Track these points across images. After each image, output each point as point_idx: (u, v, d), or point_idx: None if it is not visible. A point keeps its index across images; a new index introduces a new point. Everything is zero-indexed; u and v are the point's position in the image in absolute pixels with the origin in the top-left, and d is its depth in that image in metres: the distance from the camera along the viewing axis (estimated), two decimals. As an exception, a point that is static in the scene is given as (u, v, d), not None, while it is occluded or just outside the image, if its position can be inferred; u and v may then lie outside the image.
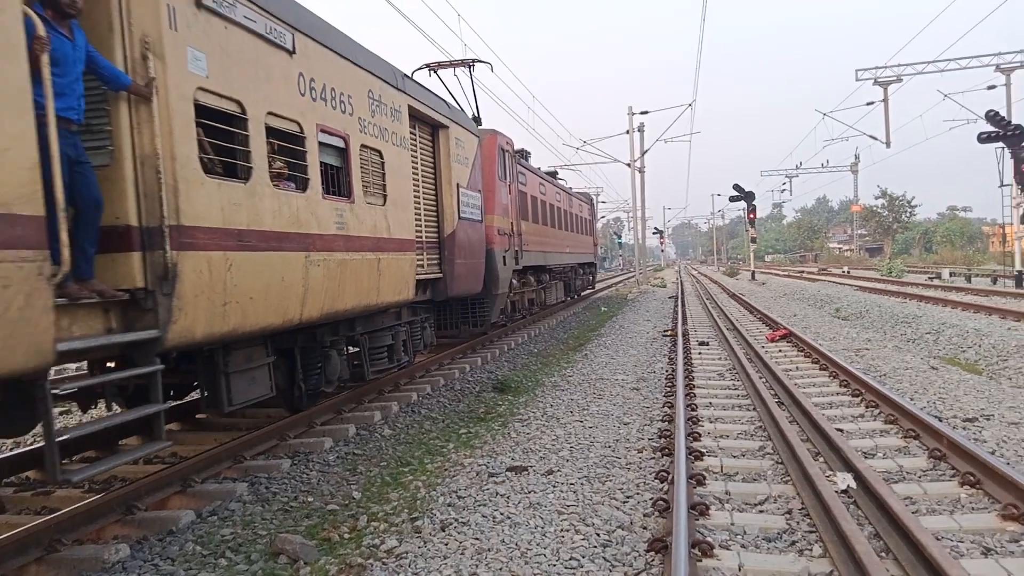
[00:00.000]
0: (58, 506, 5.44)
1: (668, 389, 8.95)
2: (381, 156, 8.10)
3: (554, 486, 5.38)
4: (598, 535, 4.39)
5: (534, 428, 7.38)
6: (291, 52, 6.24)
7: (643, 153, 36.28)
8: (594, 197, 37.51)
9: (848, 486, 5.05)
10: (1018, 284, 22.46)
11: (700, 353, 12.17)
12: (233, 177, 5.49)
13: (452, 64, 13.23)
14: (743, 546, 4.26)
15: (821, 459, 5.85)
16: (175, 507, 5.55)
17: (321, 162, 6.75)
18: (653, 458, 6.07)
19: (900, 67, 32.32)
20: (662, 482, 5.35)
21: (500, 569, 3.96)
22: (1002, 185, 22.69)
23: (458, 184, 10.79)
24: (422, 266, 9.58)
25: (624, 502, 5.00)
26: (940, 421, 6.72)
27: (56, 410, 6.81)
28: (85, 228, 4.27)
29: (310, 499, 5.61)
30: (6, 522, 5.09)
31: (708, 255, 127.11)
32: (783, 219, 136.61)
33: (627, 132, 35.39)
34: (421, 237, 9.60)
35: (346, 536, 4.79)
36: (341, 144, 7.21)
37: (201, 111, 5.10)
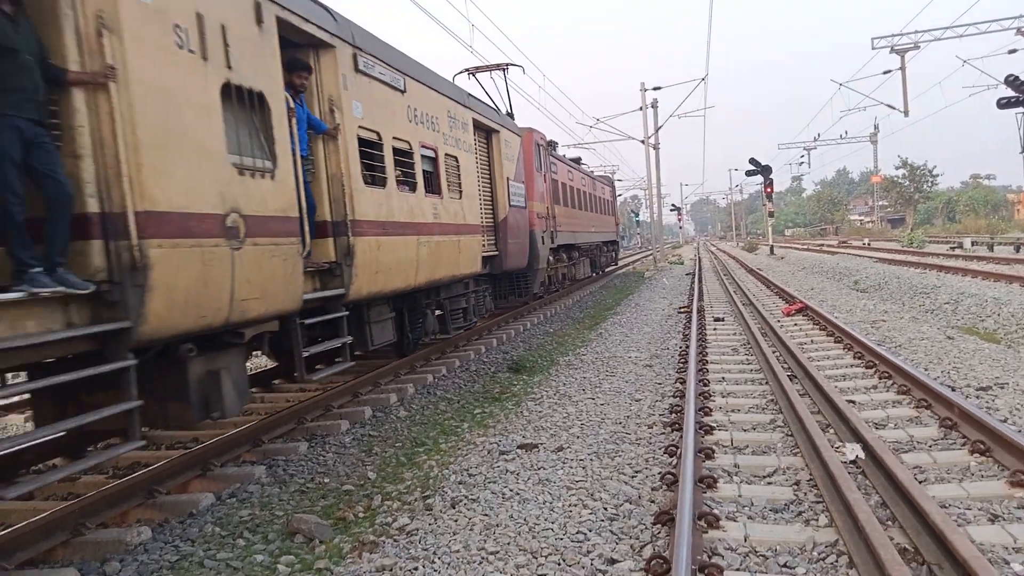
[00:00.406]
0: (83, 491, 5.59)
1: (681, 365, 8.96)
2: (457, 161, 10.37)
3: (564, 462, 5.44)
4: (606, 509, 4.45)
5: (546, 406, 7.45)
6: (403, 92, 8.58)
7: (657, 129, 35.98)
8: (613, 178, 37.82)
9: (857, 456, 5.05)
10: (1041, 251, 22.07)
11: (715, 329, 12.15)
12: (377, 185, 7.75)
13: (488, 68, 14.96)
14: (750, 517, 4.29)
15: (831, 430, 5.86)
16: (196, 490, 5.68)
17: (422, 169, 9.05)
18: (663, 433, 6.11)
19: (917, 33, 31.67)
20: (671, 456, 5.39)
21: (507, 544, 4.04)
22: (1023, 151, 22.23)
23: (507, 177, 13.06)
24: (484, 245, 11.72)
25: (633, 476, 5.05)
26: (953, 391, 6.69)
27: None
28: (311, 224, 6.49)
29: (326, 480, 5.71)
30: (33, 507, 5.24)
31: (727, 231, 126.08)
32: (803, 192, 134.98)
33: (640, 109, 35.08)
34: (482, 222, 11.75)
35: (360, 515, 4.89)
36: (432, 155, 9.47)
37: (360, 141, 7.41)
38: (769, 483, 4.87)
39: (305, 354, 6.48)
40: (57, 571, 4.18)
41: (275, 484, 5.66)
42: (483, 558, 3.89)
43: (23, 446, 4.85)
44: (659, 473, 5.02)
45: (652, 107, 36.08)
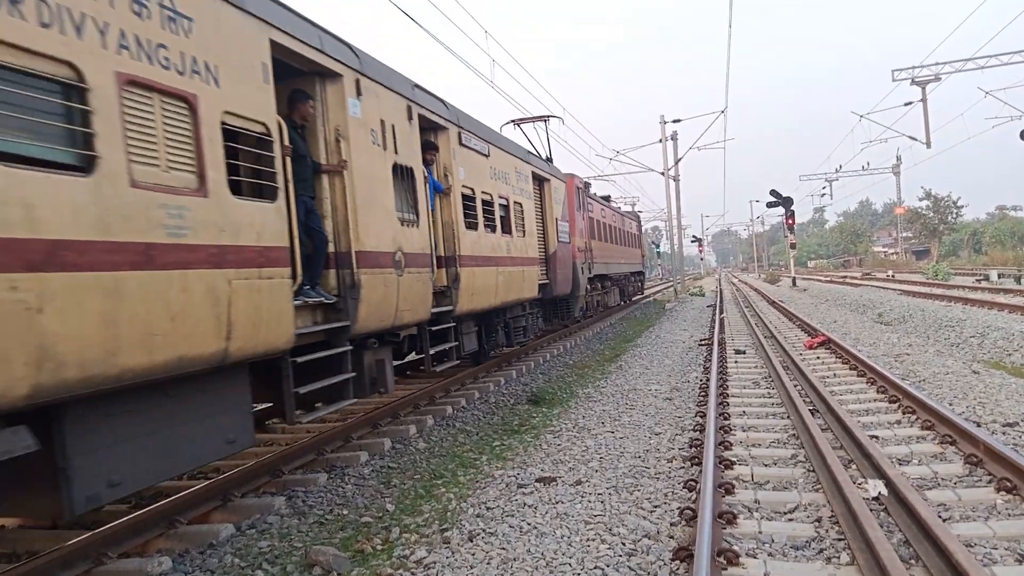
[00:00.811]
0: (106, 520, 5.66)
1: (701, 398, 8.90)
2: (522, 206, 12.83)
3: (582, 496, 5.42)
4: (623, 544, 4.42)
5: (565, 439, 7.43)
6: (487, 156, 11.16)
7: (676, 162, 36.09)
8: (639, 214, 38.66)
9: (880, 493, 4.98)
10: (1070, 284, 21.70)
11: (736, 362, 12.06)
12: (472, 228, 10.10)
13: (532, 120, 17.28)
14: (770, 554, 4.25)
15: (854, 466, 5.79)
16: (215, 521, 5.72)
17: (499, 214, 11.49)
18: (683, 467, 6.06)
19: (938, 65, 31.64)
20: (690, 491, 5.35)
21: (525, 578, 4.03)
22: (1049, 182, 21.97)
23: (556, 218, 15.55)
24: (539, 275, 13.88)
25: (651, 511, 5.02)
26: (978, 427, 6.59)
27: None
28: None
29: (345, 512, 5.73)
30: (57, 536, 5.31)
31: (749, 262, 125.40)
32: (825, 224, 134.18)
33: (660, 141, 35.26)
34: (538, 255, 14.05)
35: (379, 548, 4.89)
36: (505, 203, 11.97)
37: (463, 196, 9.91)
38: (790, 520, 4.82)
39: (432, 351, 9.15)
40: (79, 601, 4.21)
41: (294, 515, 5.69)
42: (500, 593, 3.88)
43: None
44: (678, 508, 4.98)
45: (672, 139, 36.26)
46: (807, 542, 4.39)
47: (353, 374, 6.80)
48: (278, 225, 5.49)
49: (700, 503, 4.66)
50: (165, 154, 4.42)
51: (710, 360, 11.59)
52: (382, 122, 7.45)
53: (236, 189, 5.14)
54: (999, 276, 30.15)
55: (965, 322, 14.73)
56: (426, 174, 8.68)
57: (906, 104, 34.48)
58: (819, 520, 4.71)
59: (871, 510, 4.72)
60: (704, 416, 7.60)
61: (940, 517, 4.60)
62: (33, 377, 3.49)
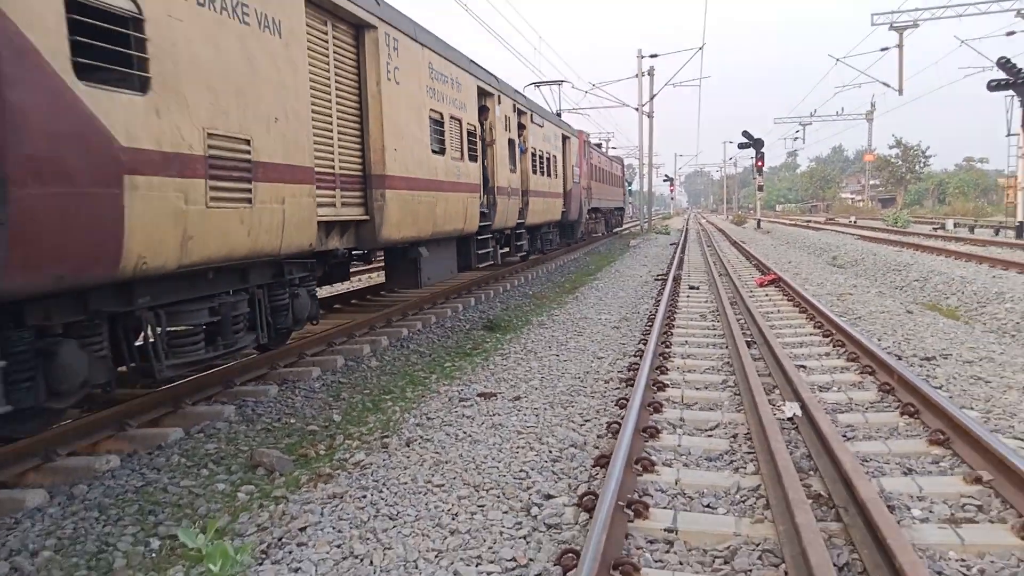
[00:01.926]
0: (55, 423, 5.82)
1: (647, 328, 9.22)
2: (556, 157, 18.85)
3: (519, 410, 5.71)
4: (550, 452, 4.73)
5: (511, 361, 7.71)
6: (542, 127, 16.91)
7: (652, 97, 35.88)
8: (622, 159, 42.35)
9: (794, 414, 5.34)
10: (1018, 235, 22.43)
11: (688, 296, 12.42)
12: (535, 173, 16.13)
13: (548, 83, 24.28)
14: (685, 464, 4.58)
15: (777, 391, 6.15)
16: (166, 425, 5.92)
17: (545, 164, 17.17)
18: (618, 388, 6.38)
19: (917, 11, 31.56)
20: (621, 408, 5.66)
21: (453, 478, 4.31)
22: (1009, 134, 22.43)
23: (572, 164, 21.30)
24: (561, 206, 19.77)
25: (582, 425, 5.33)
26: (899, 359, 7.00)
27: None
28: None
29: (292, 421, 5.96)
30: (8, 439, 5.47)
31: (719, 203, 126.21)
32: (797, 168, 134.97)
33: (636, 76, 34.93)
34: (556, 191, 19.09)
35: (322, 453, 5.14)
36: (548, 156, 17.82)
37: (532, 153, 16.00)
38: (709, 436, 5.16)
39: (481, 251, 12.97)
40: (26, 491, 4.41)
41: (243, 422, 5.90)
42: (428, 490, 4.16)
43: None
44: (607, 423, 5.29)
45: (648, 75, 35.95)
46: (720, 455, 4.73)
47: (505, 249, 15.00)
48: (478, 174, 11.93)
49: (625, 417, 4.96)
50: (455, 145, 10.79)
51: (662, 294, 11.91)
52: (507, 117, 13.82)
53: (471, 157, 11.61)
54: (954, 225, 30.92)
55: (912, 266, 15.24)
56: (517, 143, 14.77)
57: (882, 49, 34.49)
58: (735, 436, 5.06)
59: (783, 428, 5.09)
60: (647, 343, 7.92)
61: (844, 436, 4.97)
62: (430, 231, 9.62)
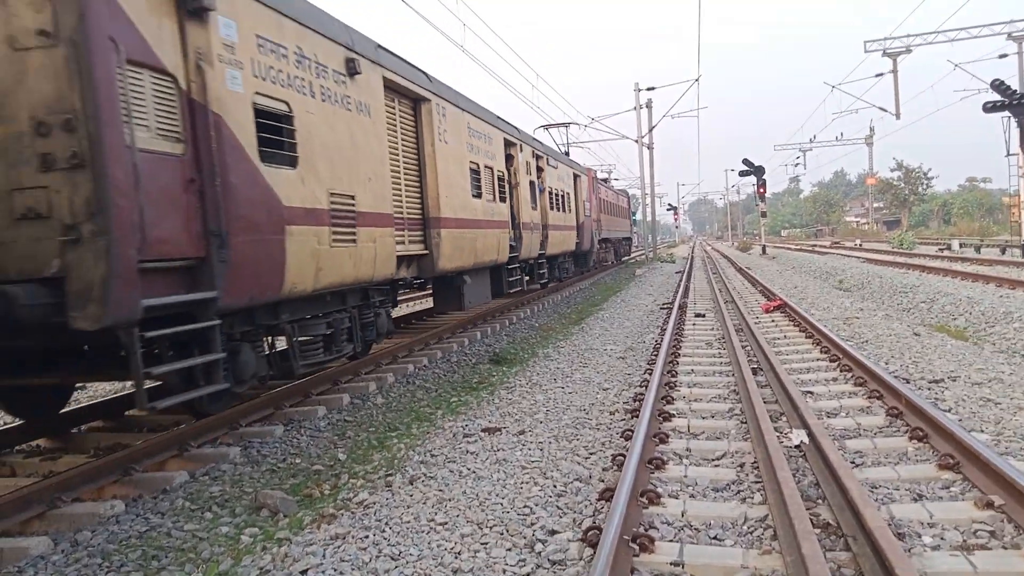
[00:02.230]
0: (62, 470, 5.80)
1: (653, 357, 9.17)
2: (568, 194, 20.43)
3: (523, 445, 5.66)
4: (555, 486, 4.67)
5: (517, 394, 7.67)
6: (556, 168, 18.95)
7: (651, 129, 36.17)
8: (627, 191, 44.37)
9: (801, 441, 5.28)
10: (1025, 254, 22.31)
11: (694, 324, 12.37)
12: (553, 209, 18.17)
13: (556, 125, 26.23)
14: (691, 495, 4.52)
15: (784, 419, 6.08)
16: (172, 469, 5.90)
17: (560, 200, 19.02)
18: (623, 419, 6.33)
19: (909, 37, 31.87)
20: (627, 440, 5.60)
21: (457, 516, 4.26)
22: (1008, 154, 22.46)
23: (584, 200, 23.10)
24: (575, 237, 21.51)
25: (587, 458, 5.27)
26: (907, 383, 6.93)
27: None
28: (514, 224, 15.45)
29: (298, 461, 5.93)
30: (15, 484, 5.45)
31: (724, 230, 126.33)
32: (800, 193, 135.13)
33: (635, 109, 35.26)
34: (570, 224, 20.78)
35: (327, 492, 5.10)
36: (562, 193, 19.41)
37: (549, 192, 17.79)
38: (716, 465, 5.09)
39: (511, 279, 14.74)
40: (30, 539, 4.39)
41: (248, 464, 5.87)
42: (431, 528, 4.11)
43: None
44: (612, 455, 5.23)
45: (646, 107, 36.28)
46: (727, 484, 4.67)
47: (527, 277, 16.48)
48: (507, 212, 13.72)
49: (630, 449, 4.91)
50: (488, 189, 12.56)
51: (667, 323, 11.87)
52: (527, 163, 15.73)
53: (501, 199, 13.28)
54: (960, 246, 30.81)
55: (918, 288, 15.16)
56: (537, 183, 16.65)
57: (877, 76, 34.78)
58: (742, 466, 4.99)
59: (790, 456, 5.03)
60: (652, 373, 7.87)
61: (852, 463, 4.91)
62: (472, 262, 11.42)
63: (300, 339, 7.20)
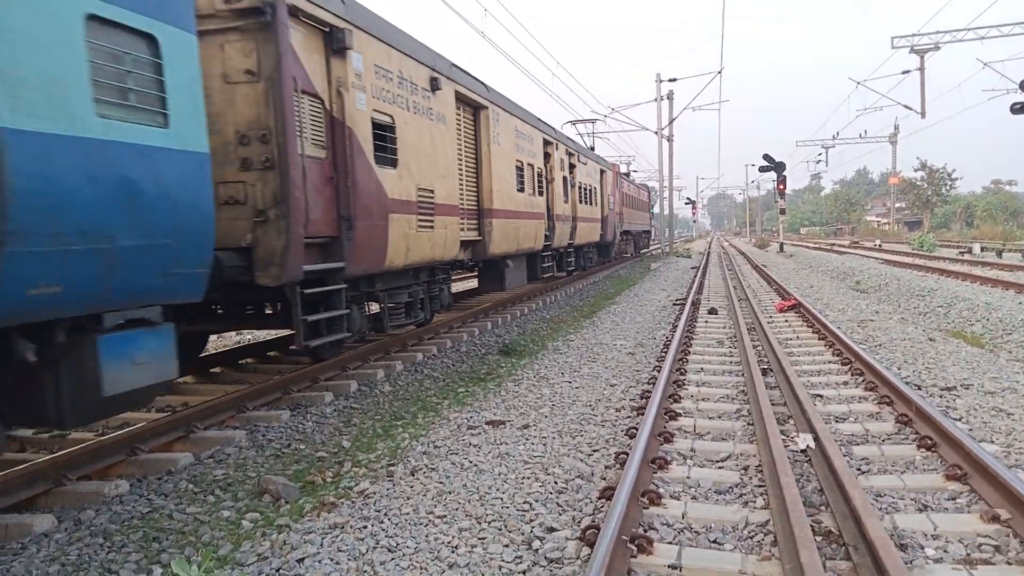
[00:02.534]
0: (70, 447, 5.87)
1: (663, 354, 9.11)
2: (594, 189, 21.93)
3: (527, 439, 5.65)
4: (556, 483, 4.66)
5: (524, 387, 7.66)
6: (585, 164, 20.43)
7: (671, 121, 35.88)
8: (647, 185, 45.40)
9: (808, 446, 5.22)
10: (1048, 259, 21.93)
11: (707, 322, 12.29)
12: (582, 203, 19.91)
13: (583, 121, 29.61)
14: (693, 497, 4.49)
15: (791, 422, 6.03)
16: (178, 451, 5.94)
17: (587, 194, 20.75)
18: (629, 417, 6.30)
19: (937, 34, 31.33)
20: (631, 438, 5.57)
21: (456, 509, 4.26)
22: (1035, 158, 22.03)
23: (608, 194, 24.56)
24: (599, 229, 23.11)
25: (590, 455, 5.25)
26: (919, 389, 6.85)
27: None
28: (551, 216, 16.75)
29: (302, 447, 5.95)
30: (23, 459, 5.52)
31: (742, 227, 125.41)
32: (821, 191, 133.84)
33: (656, 100, 34.99)
34: (596, 216, 22.29)
35: (328, 480, 5.12)
36: (590, 188, 21.19)
37: (579, 186, 19.55)
38: (720, 467, 5.06)
39: (544, 265, 16.21)
40: (35, 516, 4.44)
41: (253, 448, 5.91)
42: (430, 521, 4.11)
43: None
44: (615, 453, 5.21)
45: (667, 98, 35.99)
46: (730, 487, 4.63)
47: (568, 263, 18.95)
48: (543, 205, 15.03)
49: (633, 447, 4.88)
50: (530, 184, 14.18)
51: (679, 319, 11.80)
52: (561, 160, 17.21)
53: (539, 193, 14.81)
54: (981, 249, 30.37)
55: (936, 292, 14.96)
56: (569, 178, 18.15)
57: (903, 72, 34.27)
58: (746, 468, 4.95)
59: (795, 461, 4.98)
60: (660, 370, 7.83)
61: (858, 469, 4.86)
62: (515, 248, 13.14)
63: (389, 305, 8.91)
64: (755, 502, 4.36)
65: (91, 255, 4.01)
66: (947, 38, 31.20)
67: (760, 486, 4.60)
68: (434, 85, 9.33)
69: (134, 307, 4.54)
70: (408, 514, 4.21)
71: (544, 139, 15.67)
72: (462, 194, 10.77)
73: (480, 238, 11.58)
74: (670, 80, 34.47)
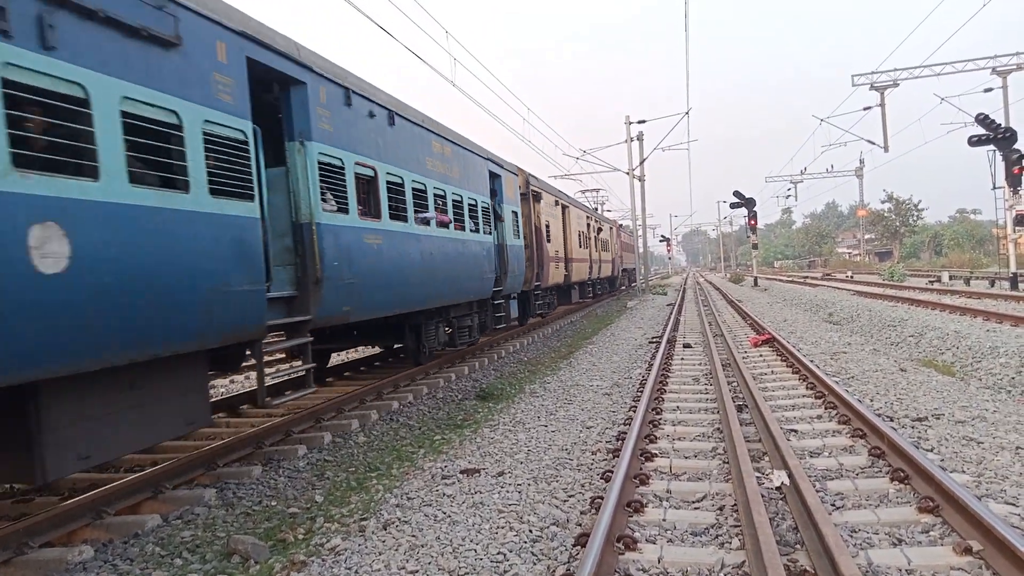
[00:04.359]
0: (35, 512, 5.70)
1: (639, 394, 9.12)
2: (608, 240, 33.96)
3: (501, 487, 5.59)
4: (531, 531, 4.60)
5: (500, 433, 7.60)
6: (604, 225, 33.75)
7: (642, 162, 36.46)
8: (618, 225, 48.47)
9: (783, 483, 5.23)
10: (1013, 286, 22.43)
11: (682, 359, 12.34)
12: (581, 247, 25.83)
13: (591, 190, 50.45)
14: (669, 540, 4.46)
15: (767, 458, 6.04)
16: (145, 512, 5.80)
17: (605, 245, 33.02)
18: (605, 459, 6.27)
19: (896, 71, 32.37)
20: (606, 481, 5.54)
21: (428, 563, 4.19)
22: (995, 188, 22.71)
23: (614, 243, 35.62)
24: (611, 267, 34.93)
25: (565, 501, 5.21)
26: (891, 421, 6.91)
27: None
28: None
29: (274, 503, 5.84)
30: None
31: (717, 262, 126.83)
32: (793, 224, 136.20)
33: (626, 141, 35.59)
34: (609, 259, 34.16)
35: (300, 537, 5.02)
36: (605, 240, 33.14)
37: (602, 242, 32.70)
38: (696, 508, 5.04)
39: (585, 290, 28.90)
40: (-6, 587, 4.33)
41: (223, 506, 5.79)
42: (401, 577, 4.04)
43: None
44: (591, 497, 5.17)
45: (637, 139, 36.60)
46: (706, 528, 4.61)
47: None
48: (587, 253, 27.25)
49: (608, 491, 4.85)
50: (583, 242, 26.26)
51: (655, 358, 11.84)
52: (590, 226, 28.20)
53: (585, 246, 26.55)
54: (950, 278, 30.96)
55: (907, 322, 15.19)
56: (596, 236, 29.06)
57: (865, 109, 35.24)
58: (721, 508, 4.94)
59: (770, 499, 4.98)
60: (636, 410, 7.82)
61: (833, 505, 4.87)
62: (577, 280, 24.63)
63: (544, 300, 18.85)
64: (731, 543, 4.34)
65: None
66: (904, 75, 32.25)
67: (736, 526, 4.59)
68: (557, 204, 21.08)
69: None
70: (379, 570, 4.13)
71: (587, 216, 27.51)
72: (558, 251, 20.92)
73: (567, 273, 22.15)
74: (639, 122, 35.16)
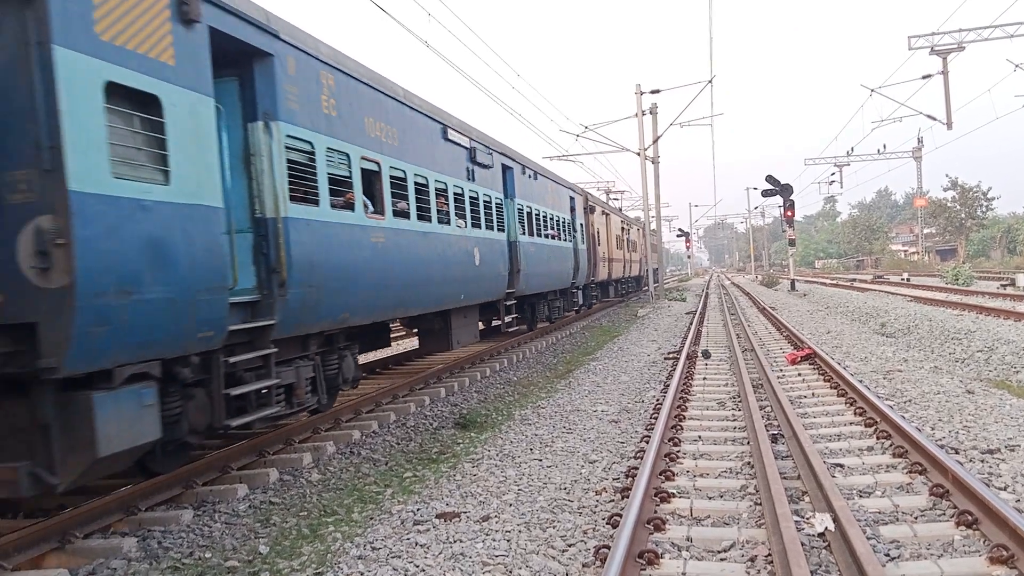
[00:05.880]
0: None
1: (653, 421, 9.16)
2: (636, 241, 45.62)
3: (486, 534, 5.61)
4: (521, 589, 4.62)
5: (484, 468, 7.63)
6: (631, 228, 45.59)
7: (656, 140, 36.65)
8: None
9: (826, 528, 5.27)
10: (1102, 291, 22.68)
11: (704, 379, 12.41)
12: (618, 248, 39.10)
13: (618, 192, 66.78)
14: (689, 599, 4.48)
15: (807, 498, 6.09)
16: (50, 566, 5.77)
17: (633, 245, 45.08)
18: (612, 500, 6.30)
19: (961, 32, 32.72)
20: (614, 528, 5.57)
21: (397, 628, 4.19)
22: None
23: (640, 244, 46.11)
24: (638, 266, 47.34)
25: (564, 551, 5.23)
26: (956, 453, 6.98)
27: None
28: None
29: (208, 555, 5.83)
30: None
31: (746, 261, 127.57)
32: (837, 216, 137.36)
33: (636, 115, 35.76)
34: (636, 260, 45.78)
35: (240, 597, 5.01)
36: (635, 241, 45.44)
37: (632, 243, 44.83)
38: (722, 559, 5.07)
39: (619, 287, 42.06)
40: None
41: (146, 559, 5.77)
42: (366, 644, 4.03)
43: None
44: (595, 547, 5.19)
45: (650, 113, 36.80)
46: (734, 584, 4.63)
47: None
48: (622, 255, 39.48)
49: (616, 539, 4.87)
50: (621, 244, 39.40)
51: (672, 377, 11.90)
52: (624, 229, 40.69)
53: (621, 248, 39.06)
54: (1027, 280, 31.31)
55: (975, 334, 15.36)
56: (627, 238, 40.81)
57: (924, 77, 35.57)
58: (753, 560, 4.97)
59: (812, 547, 5.02)
60: (649, 441, 7.86)
61: (887, 555, 4.91)
62: (614, 277, 37.90)
63: (595, 292, 32.50)
64: (764, 602, 4.36)
65: None
66: (971, 36, 32.60)
67: (770, 581, 4.62)
68: (604, 214, 32.54)
69: None
70: (338, 637, 4.13)
71: (623, 220, 37.87)
72: (604, 253, 30.64)
73: (609, 271, 32.40)
74: (652, 92, 35.31)
